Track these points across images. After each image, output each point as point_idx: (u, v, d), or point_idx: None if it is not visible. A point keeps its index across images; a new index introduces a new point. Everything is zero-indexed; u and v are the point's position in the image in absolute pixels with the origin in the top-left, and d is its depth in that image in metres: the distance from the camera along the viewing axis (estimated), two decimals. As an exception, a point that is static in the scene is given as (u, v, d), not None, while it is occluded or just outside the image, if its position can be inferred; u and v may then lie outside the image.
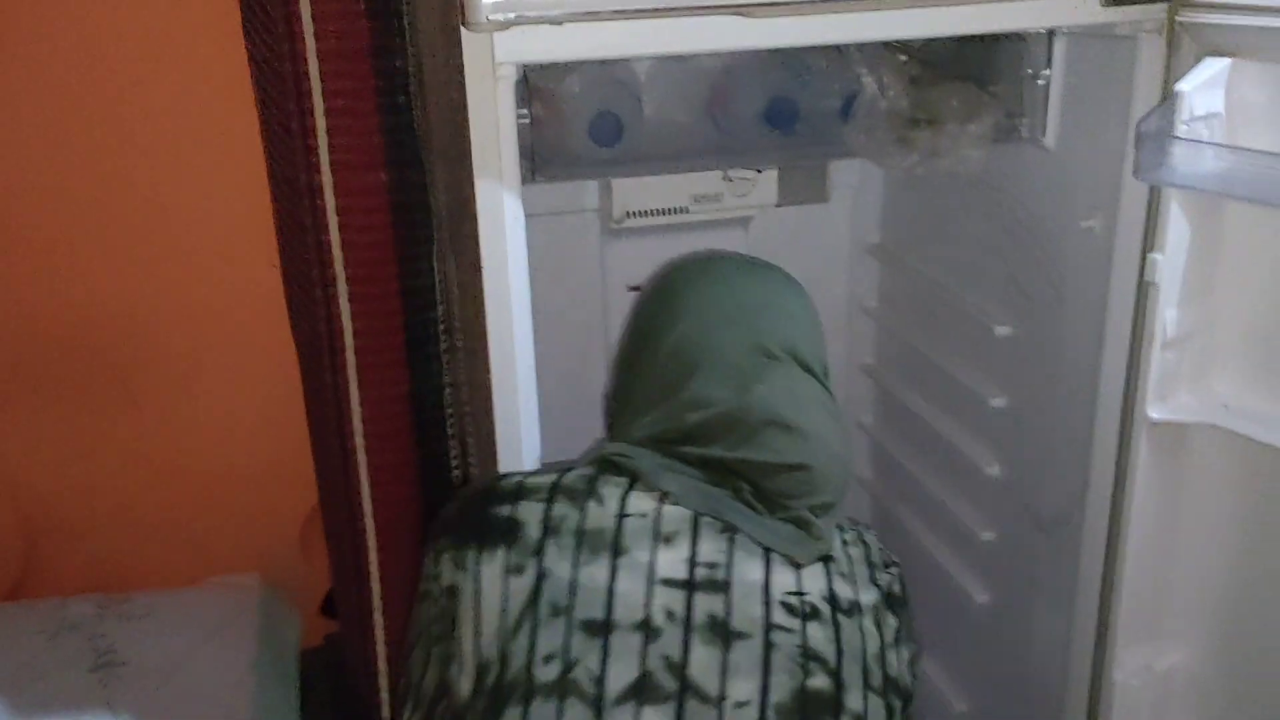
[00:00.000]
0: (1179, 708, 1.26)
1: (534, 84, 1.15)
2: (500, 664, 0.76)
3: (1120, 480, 1.16)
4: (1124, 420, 1.14)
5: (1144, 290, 1.09)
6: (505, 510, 0.84)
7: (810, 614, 0.80)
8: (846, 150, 1.26)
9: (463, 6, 0.89)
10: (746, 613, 0.78)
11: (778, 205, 1.63)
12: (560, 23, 0.93)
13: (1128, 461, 1.15)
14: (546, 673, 0.75)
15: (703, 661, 0.76)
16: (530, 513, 0.83)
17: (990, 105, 1.27)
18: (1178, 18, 1.05)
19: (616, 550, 0.79)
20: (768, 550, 0.83)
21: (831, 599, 0.82)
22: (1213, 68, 1.02)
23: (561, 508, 0.83)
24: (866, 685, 0.80)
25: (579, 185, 1.58)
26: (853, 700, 0.78)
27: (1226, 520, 1.18)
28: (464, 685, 0.77)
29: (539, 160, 1.17)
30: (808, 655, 0.78)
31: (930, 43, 1.29)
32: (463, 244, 0.98)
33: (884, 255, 1.71)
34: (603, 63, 1.20)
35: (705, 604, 0.78)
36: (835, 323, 1.80)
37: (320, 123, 0.93)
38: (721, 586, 0.79)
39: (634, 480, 0.86)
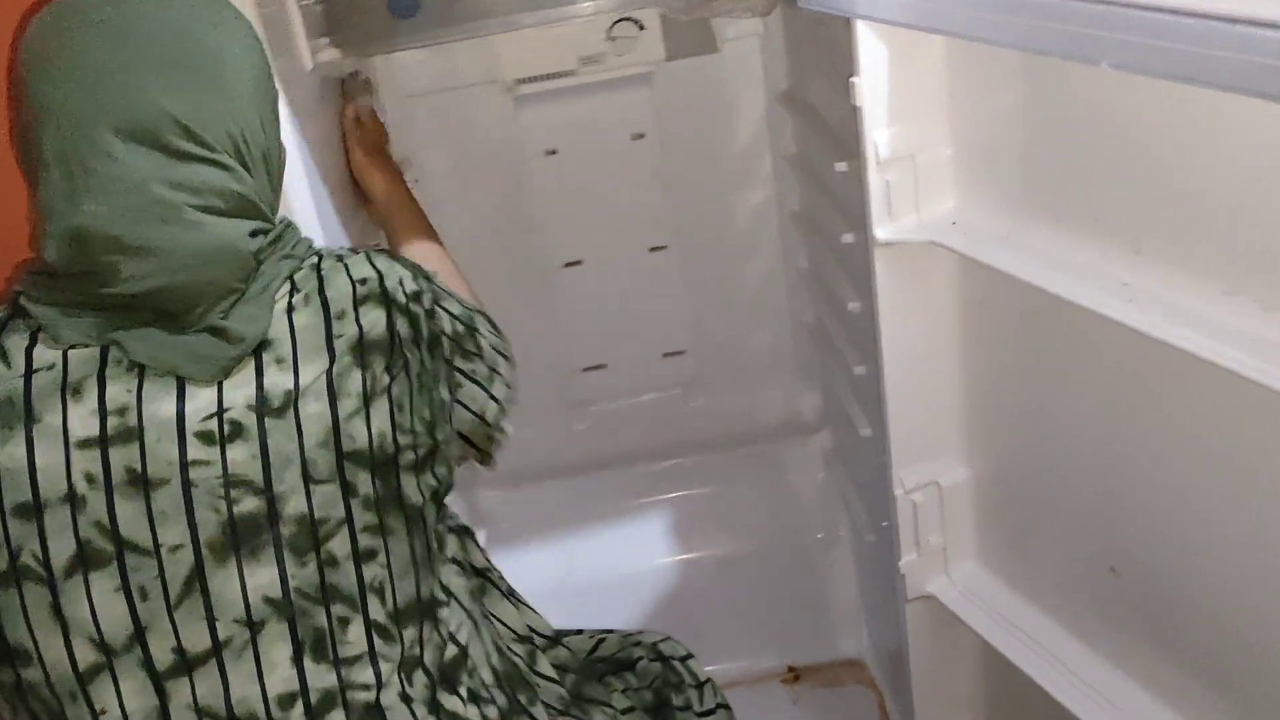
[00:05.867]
0: (963, 519, 1.31)
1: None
2: None
3: (873, 303, 1.20)
4: (868, 244, 1.17)
5: (855, 114, 1.12)
6: None
7: (232, 434, 0.76)
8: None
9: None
10: (161, 456, 0.75)
11: (667, 60, 1.69)
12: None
13: (874, 285, 1.18)
14: None
15: (129, 517, 0.75)
16: None
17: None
18: None
19: (30, 417, 0.74)
20: (181, 376, 0.76)
21: (261, 402, 0.76)
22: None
23: None
24: (310, 480, 0.77)
25: (471, 57, 1.70)
26: (292, 506, 0.76)
27: (971, 342, 1.20)
28: None
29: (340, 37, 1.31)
30: (230, 484, 0.76)
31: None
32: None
33: (791, 103, 1.73)
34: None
35: (120, 457, 0.75)
36: (761, 171, 1.84)
37: None
38: (133, 434, 0.75)
39: (39, 326, 0.77)
